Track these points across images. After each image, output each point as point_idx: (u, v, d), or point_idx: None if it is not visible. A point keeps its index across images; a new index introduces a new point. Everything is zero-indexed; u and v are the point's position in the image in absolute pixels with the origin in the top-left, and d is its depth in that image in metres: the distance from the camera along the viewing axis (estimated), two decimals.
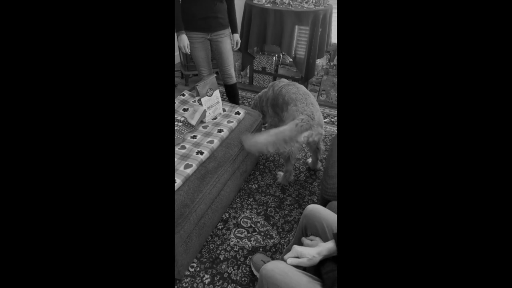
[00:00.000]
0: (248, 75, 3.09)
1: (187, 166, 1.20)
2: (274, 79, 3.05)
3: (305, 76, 2.71)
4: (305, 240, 0.93)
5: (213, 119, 1.56)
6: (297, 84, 1.82)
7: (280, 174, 1.85)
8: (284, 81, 1.93)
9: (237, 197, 1.69)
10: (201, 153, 1.28)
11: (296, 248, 0.84)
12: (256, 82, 3.09)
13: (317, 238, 0.92)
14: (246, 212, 1.60)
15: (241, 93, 2.93)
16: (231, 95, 2.25)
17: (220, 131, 1.45)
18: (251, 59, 2.84)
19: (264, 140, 1.36)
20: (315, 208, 0.98)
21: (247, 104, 2.76)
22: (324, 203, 1.18)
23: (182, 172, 1.17)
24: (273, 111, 1.95)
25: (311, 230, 0.97)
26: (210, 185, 1.23)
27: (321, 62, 2.80)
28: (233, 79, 2.15)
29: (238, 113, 1.63)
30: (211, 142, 1.37)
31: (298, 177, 1.88)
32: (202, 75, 2.08)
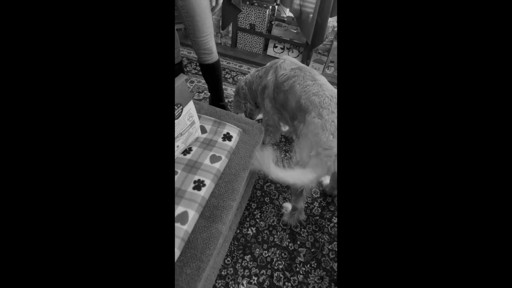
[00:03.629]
0: (230, 35, 2.26)
1: None
2: (266, 41, 2.26)
3: (312, 42, 1.97)
4: None
5: (184, 154, 0.88)
6: (316, 73, 1.15)
7: (287, 207, 1.29)
8: (292, 61, 1.24)
9: (228, 255, 1.13)
10: None
11: None
12: (241, 45, 2.29)
13: None
14: (243, 285, 1.07)
15: (220, 62, 2.14)
16: (210, 78, 1.50)
17: (197, 187, 0.80)
18: (235, 13, 1.99)
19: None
20: None
21: (231, 80, 2.01)
22: None
23: None
24: (273, 108, 1.30)
25: None
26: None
27: (331, 22, 2.03)
28: (215, 56, 1.39)
29: (227, 136, 0.96)
30: (183, 219, 0.73)
31: (311, 208, 1.34)
32: None
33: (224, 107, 1.64)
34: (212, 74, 1.46)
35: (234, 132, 0.97)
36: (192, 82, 1.96)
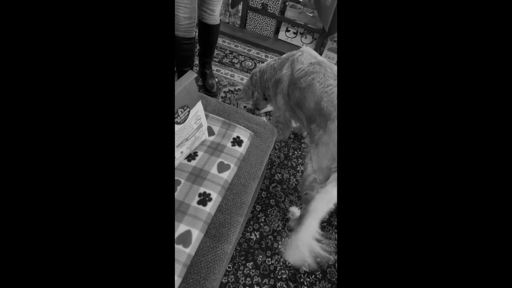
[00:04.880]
0: (240, 14, 2.08)
1: None
2: (278, 24, 2.09)
3: (329, 28, 1.81)
4: None
5: (188, 161, 0.78)
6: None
7: (294, 212, 1.22)
8: (311, 54, 1.11)
9: (229, 261, 1.07)
10: None
11: None
12: (251, 26, 2.11)
13: None
14: None
15: (227, 44, 1.98)
16: (205, 39, 1.45)
17: (203, 202, 0.71)
18: None
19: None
20: None
21: (238, 65, 1.87)
22: None
23: None
24: (285, 104, 1.19)
25: None
26: None
27: None
28: (216, 19, 1.36)
29: (237, 141, 0.85)
30: (186, 240, 0.65)
31: None
32: (178, 25, 1.20)
33: (206, 70, 1.61)
34: (207, 37, 1.42)
35: (245, 136, 0.87)
36: None
